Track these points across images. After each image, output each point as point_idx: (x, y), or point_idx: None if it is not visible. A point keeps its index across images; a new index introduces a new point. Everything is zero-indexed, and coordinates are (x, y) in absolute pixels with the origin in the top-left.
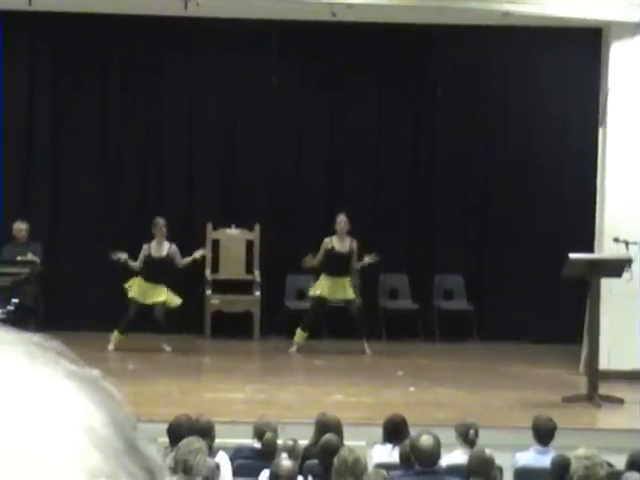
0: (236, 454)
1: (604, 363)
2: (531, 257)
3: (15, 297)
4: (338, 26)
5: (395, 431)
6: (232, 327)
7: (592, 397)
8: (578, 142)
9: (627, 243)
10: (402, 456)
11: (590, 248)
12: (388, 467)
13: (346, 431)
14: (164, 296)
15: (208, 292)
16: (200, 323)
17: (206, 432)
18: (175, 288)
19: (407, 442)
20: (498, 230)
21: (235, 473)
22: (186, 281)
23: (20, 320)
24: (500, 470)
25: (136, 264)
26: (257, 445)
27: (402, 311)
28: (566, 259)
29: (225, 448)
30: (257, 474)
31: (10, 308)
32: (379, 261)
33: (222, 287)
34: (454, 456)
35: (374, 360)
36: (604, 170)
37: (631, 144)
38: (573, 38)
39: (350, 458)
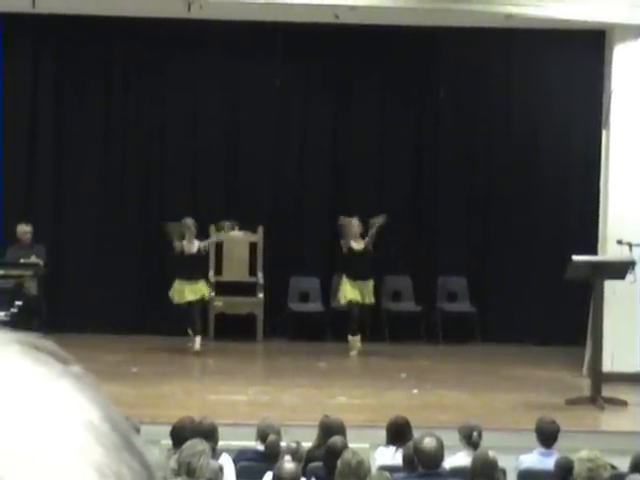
0: (239, 456)
1: (607, 365)
2: (534, 259)
3: (19, 299)
4: (341, 29)
5: (398, 433)
6: (235, 329)
7: (595, 399)
8: (581, 144)
9: (630, 245)
10: (405, 458)
11: (593, 250)
12: (391, 469)
13: (349, 433)
14: (202, 291)
15: (212, 294)
16: (204, 325)
17: (209, 434)
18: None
19: (410, 444)
20: (501, 232)
21: (238, 475)
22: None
23: (23, 322)
24: (503, 472)
25: (178, 245)
26: (260, 447)
27: (405, 313)
28: (569, 261)
29: (228, 450)
30: (260, 476)
31: (14, 310)
32: (388, 221)
33: (225, 289)
34: (457, 458)
35: (377, 362)
36: (607, 172)
37: (634, 146)
38: (576, 40)
39: (354, 460)
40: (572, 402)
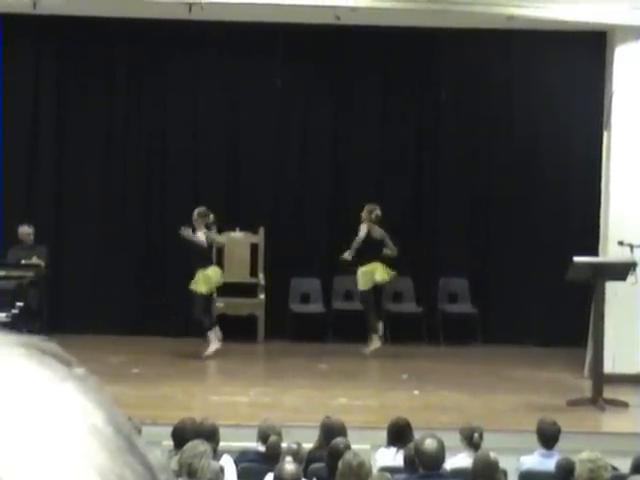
0: (240, 457)
1: (609, 367)
2: (535, 260)
3: (20, 300)
4: (342, 30)
5: (399, 434)
6: (236, 330)
7: (596, 401)
8: (582, 145)
9: (632, 246)
10: (406, 459)
11: (594, 251)
12: (392, 470)
13: (350, 434)
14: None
15: (213, 295)
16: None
17: (210, 435)
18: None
19: (411, 445)
20: (502, 233)
21: (239, 476)
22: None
23: (25, 323)
24: (505, 473)
25: (202, 240)
26: (261, 448)
27: (406, 314)
28: (570, 263)
29: (229, 451)
30: (261, 477)
31: (15, 311)
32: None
33: (226, 290)
34: (458, 459)
35: (378, 363)
36: (608, 173)
37: (635, 147)
38: (577, 42)
39: (355, 461)
40: (573, 403)
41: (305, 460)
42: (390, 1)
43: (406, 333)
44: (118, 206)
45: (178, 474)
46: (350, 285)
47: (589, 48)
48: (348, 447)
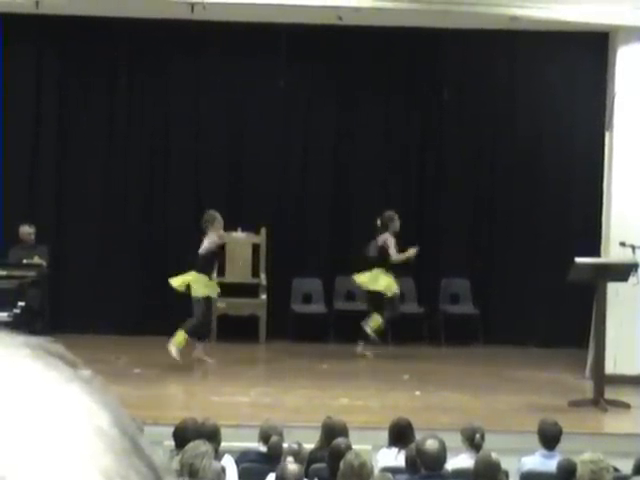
0: (242, 458)
1: (610, 367)
2: (537, 261)
3: (21, 300)
4: (345, 30)
5: (401, 435)
6: (238, 330)
7: (598, 401)
8: (585, 146)
9: (633, 247)
10: (408, 460)
11: (596, 252)
12: (394, 471)
13: (352, 435)
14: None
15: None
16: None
17: (212, 435)
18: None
19: (413, 446)
20: (504, 234)
21: (241, 477)
22: None
23: (26, 323)
24: (506, 474)
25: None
26: (263, 449)
27: (408, 315)
28: (572, 263)
29: (231, 452)
30: (263, 478)
31: (16, 311)
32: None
33: (228, 291)
34: (460, 460)
35: (380, 364)
36: (610, 174)
37: (638, 148)
38: (580, 42)
39: (356, 462)
40: (575, 404)
41: (306, 460)
42: (393, 1)
43: (407, 334)
44: (120, 206)
45: (179, 474)
46: (351, 285)
47: (591, 49)
48: (349, 447)
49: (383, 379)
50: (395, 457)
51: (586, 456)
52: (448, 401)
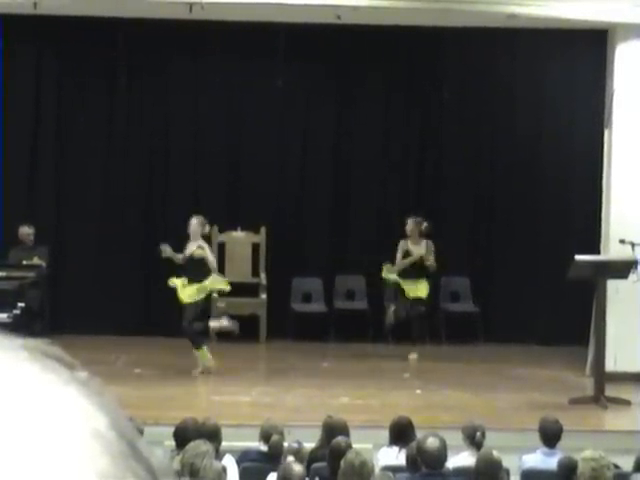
0: (243, 457)
1: (610, 365)
2: (537, 259)
3: (21, 301)
4: (343, 29)
5: (401, 433)
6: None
7: (598, 399)
8: (584, 143)
9: (633, 244)
10: (408, 458)
11: (596, 250)
12: (395, 470)
13: (353, 434)
14: (185, 293)
15: (214, 295)
16: (206, 326)
17: (213, 435)
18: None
19: (413, 444)
20: (504, 232)
21: (242, 476)
22: None
23: (26, 324)
24: (507, 472)
25: (179, 258)
26: (264, 448)
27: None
28: (572, 261)
29: (232, 451)
30: (264, 477)
31: (16, 312)
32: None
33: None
34: (461, 458)
35: (380, 362)
36: (610, 171)
37: (637, 145)
38: (579, 40)
39: (357, 461)
40: (575, 402)
41: (307, 459)
42: (391, 0)
43: (407, 332)
44: (119, 206)
45: (180, 474)
46: (351, 284)
47: (590, 46)
48: (350, 446)
49: (383, 378)
50: (396, 456)
51: (587, 453)
52: (449, 399)
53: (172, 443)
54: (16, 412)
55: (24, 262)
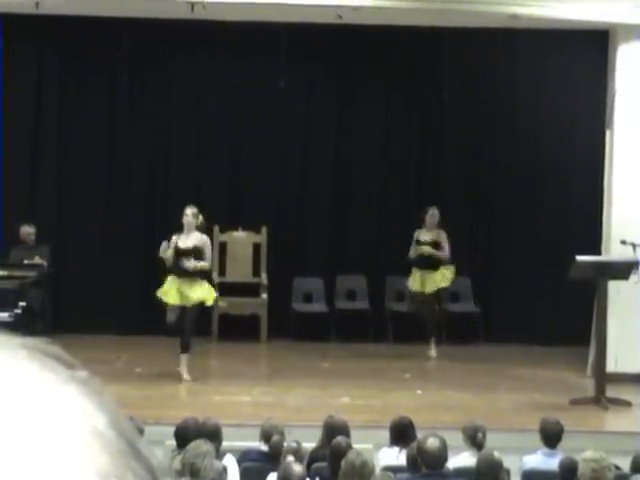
0: (243, 457)
1: (611, 365)
2: (538, 259)
3: (22, 300)
4: (345, 29)
5: (402, 434)
6: (239, 330)
7: (599, 400)
8: (585, 144)
9: (634, 245)
10: (409, 459)
11: (597, 250)
12: (395, 470)
13: (353, 434)
14: (199, 293)
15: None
16: (207, 326)
17: (213, 435)
18: None
19: (414, 445)
20: (505, 232)
21: (242, 476)
22: None
23: (27, 323)
24: (508, 473)
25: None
26: (264, 448)
27: (408, 313)
28: (573, 261)
29: (232, 451)
30: (264, 477)
31: (17, 311)
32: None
33: (229, 290)
34: (461, 459)
35: (381, 363)
36: (611, 172)
37: (638, 146)
38: (580, 40)
39: (357, 461)
40: (576, 402)
41: (307, 459)
42: (392, 0)
43: (409, 332)
44: (120, 205)
45: (181, 474)
46: (352, 284)
47: (592, 47)
48: (350, 446)
49: (384, 378)
50: (396, 456)
51: (588, 454)
52: (449, 400)
53: (173, 443)
54: (15, 411)
55: (25, 261)
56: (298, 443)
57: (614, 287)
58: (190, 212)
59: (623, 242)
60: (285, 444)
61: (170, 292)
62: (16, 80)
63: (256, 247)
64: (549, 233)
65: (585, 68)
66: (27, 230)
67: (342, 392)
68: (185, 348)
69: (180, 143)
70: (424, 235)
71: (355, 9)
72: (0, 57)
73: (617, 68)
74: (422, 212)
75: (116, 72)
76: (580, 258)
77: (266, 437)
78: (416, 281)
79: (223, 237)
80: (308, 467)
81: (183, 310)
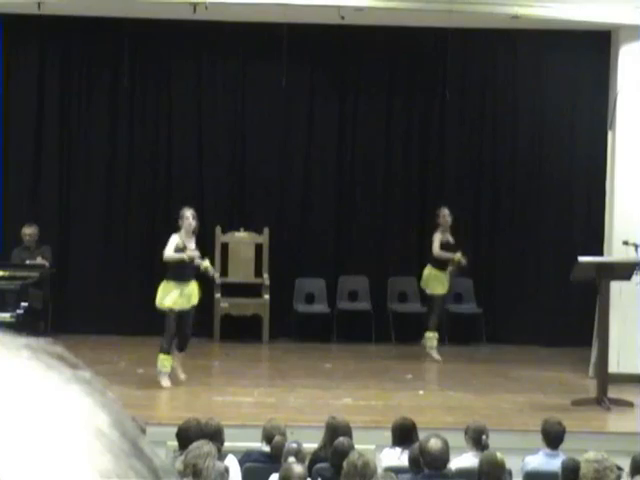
0: (245, 458)
1: (613, 366)
2: (540, 260)
3: (24, 301)
4: (347, 29)
5: (404, 434)
6: (241, 330)
7: (601, 400)
8: (587, 145)
9: (636, 246)
10: (411, 459)
11: (599, 251)
12: (397, 470)
13: (355, 434)
14: (197, 294)
15: (217, 295)
16: (209, 327)
17: (215, 436)
18: None
19: (416, 445)
20: (507, 233)
21: (244, 476)
22: None
23: (29, 324)
24: (510, 473)
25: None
26: (266, 449)
27: (411, 314)
28: (575, 262)
29: (234, 451)
30: (266, 477)
31: (19, 312)
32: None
33: (231, 291)
34: (463, 459)
35: (383, 363)
36: (613, 173)
37: None
38: (582, 41)
39: (359, 462)
40: (578, 403)
41: (310, 460)
42: (395, 1)
43: (411, 333)
44: (123, 206)
45: (183, 474)
46: (354, 285)
47: (593, 48)
48: (352, 447)
49: (386, 379)
50: (398, 457)
51: (590, 455)
52: (451, 400)
53: (175, 443)
54: (18, 410)
55: (27, 262)
56: (299, 444)
57: (616, 288)
58: (191, 215)
59: (625, 243)
60: (286, 445)
61: (172, 297)
62: (18, 80)
63: (258, 248)
64: (551, 234)
65: (587, 69)
66: (29, 231)
67: (344, 393)
68: (183, 349)
69: (182, 144)
70: (446, 236)
71: (357, 9)
72: (2, 57)
73: (619, 69)
74: (435, 213)
75: (118, 73)
76: (582, 259)
77: (268, 438)
78: (440, 282)
79: (225, 238)
80: (310, 468)
81: (180, 313)
